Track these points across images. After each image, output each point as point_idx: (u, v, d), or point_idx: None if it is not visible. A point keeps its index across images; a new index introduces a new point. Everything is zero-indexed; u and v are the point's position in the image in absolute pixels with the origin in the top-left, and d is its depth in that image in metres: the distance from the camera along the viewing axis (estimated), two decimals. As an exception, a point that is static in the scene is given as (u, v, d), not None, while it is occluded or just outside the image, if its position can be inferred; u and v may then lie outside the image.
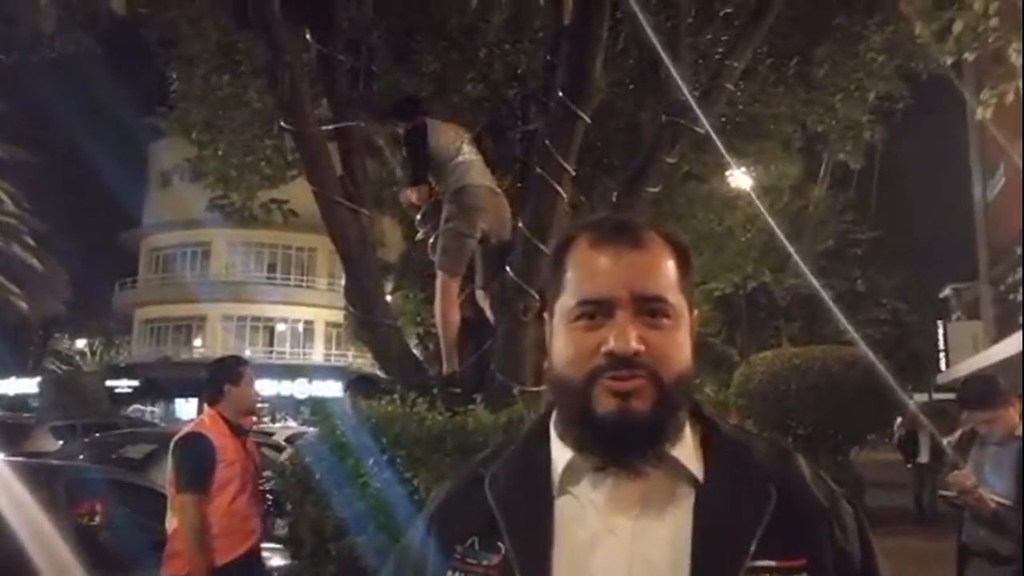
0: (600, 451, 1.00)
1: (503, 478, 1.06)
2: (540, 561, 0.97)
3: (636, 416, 0.97)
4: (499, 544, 1.00)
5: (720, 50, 6.50)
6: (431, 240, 4.68)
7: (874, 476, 13.89)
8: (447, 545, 1.04)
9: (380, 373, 5.10)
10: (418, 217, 4.80)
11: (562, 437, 1.05)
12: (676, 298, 1.03)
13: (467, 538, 1.02)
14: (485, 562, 1.00)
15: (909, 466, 12.98)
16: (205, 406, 4.27)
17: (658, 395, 0.98)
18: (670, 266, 1.05)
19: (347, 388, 5.63)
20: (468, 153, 4.48)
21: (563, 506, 1.01)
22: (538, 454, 1.07)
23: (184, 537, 3.82)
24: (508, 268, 4.30)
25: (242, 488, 4.01)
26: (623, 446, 0.99)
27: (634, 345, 0.97)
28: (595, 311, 1.01)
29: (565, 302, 1.05)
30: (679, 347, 1.02)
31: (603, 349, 0.99)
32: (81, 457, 8.57)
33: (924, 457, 12.56)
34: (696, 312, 1.09)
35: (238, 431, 4.15)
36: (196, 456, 3.94)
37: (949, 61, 6.29)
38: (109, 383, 35.86)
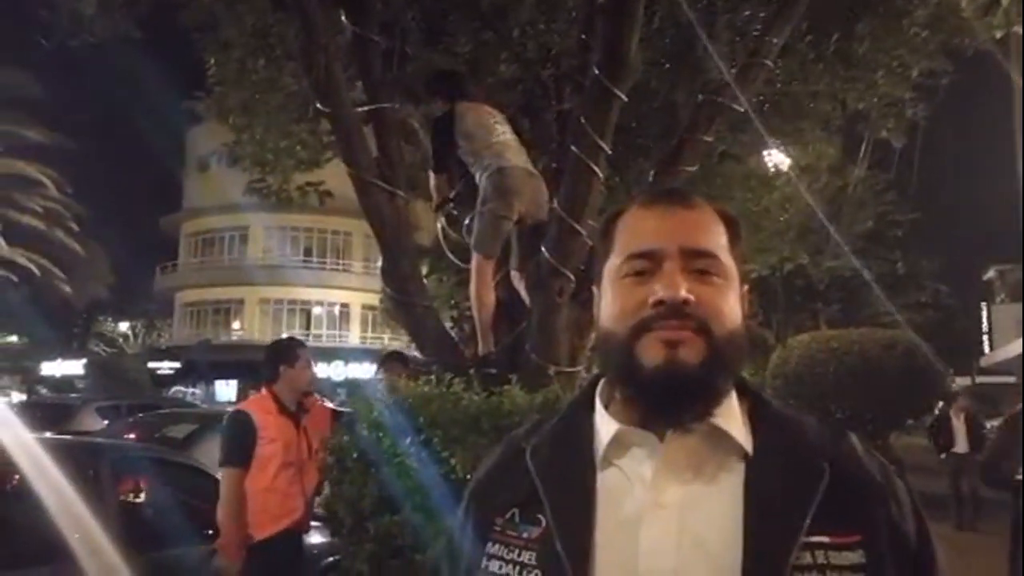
0: (647, 407, 0.98)
1: (545, 449, 1.04)
2: (582, 534, 0.95)
3: (685, 368, 0.95)
4: (540, 516, 0.98)
5: (758, 27, 6.38)
6: (466, 222, 4.68)
7: (912, 461, 13.70)
8: (487, 517, 1.02)
9: (416, 354, 5.14)
10: (434, 204, 4.77)
11: (607, 407, 1.04)
12: (726, 259, 1.02)
13: (507, 510, 1.01)
14: (525, 534, 0.98)
15: (943, 456, 11.34)
16: (263, 386, 4.43)
17: (708, 350, 0.96)
18: (719, 229, 1.04)
19: (381, 364, 5.71)
20: (503, 134, 4.44)
21: (608, 479, 0.99)
22: (582, 426, 1.05)
23: (220, 509, 3.98)
24: (543, 249, 4.29)
25: (284, 466, 4.11)
26: (670, 401, 0.96)
27: (683, 292, 0.95)
28: (643, 266, 1.00)
29: (613, 262, 1.04)
30: (730, 305, 1.00)
31: (651, 299, 0.97)
32: (132, 436, 8.79)
33: (961, 446, 11.06)
34: (747, 287, 1.07)
35: (290, 411, 4.26)
36: (235, 432, 4.15)
37: (997, 35, 6.11)
38: (151, 365, 36.65)
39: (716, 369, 0.97)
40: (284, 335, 35.05)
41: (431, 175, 4.66)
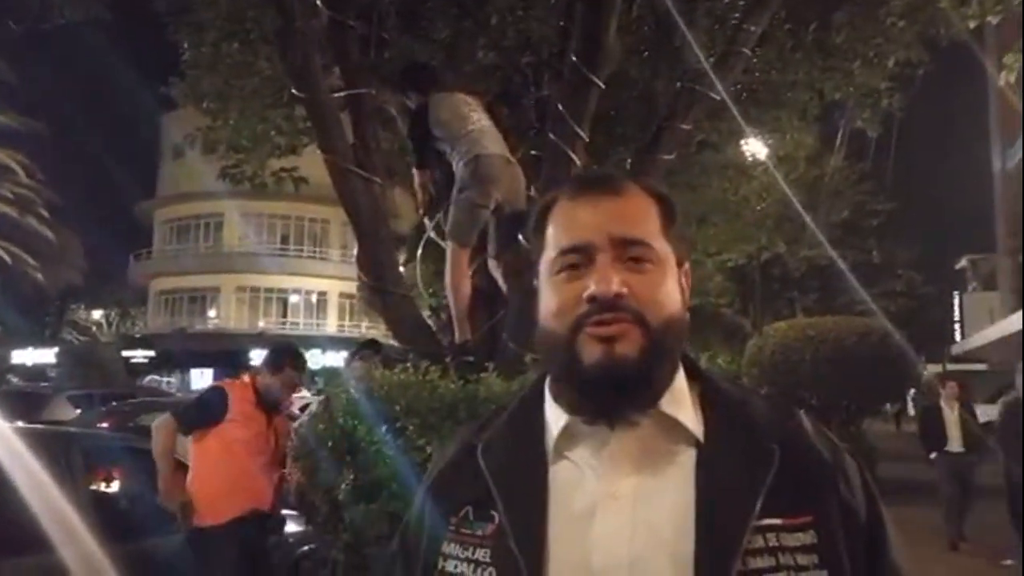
0: (590, 403, 0.97)
1: (496, 445, 1.03)
2: (535, 529, 0.94)
3: (623, 362, 0.94)
4: (493, 513, 0.97)
5: (736, 15, 6.39)
6: (442, 212, 4.65)
7: (885, 446, 13.89)
8: (442, 516, 1.01)
9: (394, 342, 5.12)
10: (420, 206, 4.75)
11: (556, 400, 1.03)
12: (660, 244, 1.01)
13: (461, 508, 1.00)
14: (480, 532, 0.97)
15: (933, 456, 8.50)
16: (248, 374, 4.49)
17: (645, 340, 0.95)
18: (652, 213, 1.03)
19: (355, 352, 5.69)
20: (478, 121, 4.41)
21: (559, 472, 0.99)
22: (532, 419, 1.04)
23: (155, 451, 4.12)
24: (520, 236, 4.27)
25: (252, 453, 4.13)
26: (612, 396, 0.95)
27: (615, 287, 0.95)
28: (576, 260, 0.99)
29: (547, 256, 1.03)
30: (666, 292, 0.99)
31: (585, 295, 0.96)
32: (105, 425, 8.70)
33: (955, 445, 8.37)
34: (687, 265, 1.06)
35: (264, 405, 4.30)
36: (202, 400, 4.33)
37: (972, 26, 6.16)
38: (125, 353, 36.22)
39: (655, 359, 0.96)
40: (261, 323, 34.74)
41: (415, 173, 4.62)
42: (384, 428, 3.48)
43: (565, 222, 1.03)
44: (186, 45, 6.95)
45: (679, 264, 1.04)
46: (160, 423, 4.18)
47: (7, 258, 32.82)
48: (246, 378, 4.49)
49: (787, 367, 11.93)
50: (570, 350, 0.96)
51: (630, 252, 0.98)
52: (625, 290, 0.95)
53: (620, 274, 0.96)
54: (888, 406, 18.47)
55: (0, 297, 31.67)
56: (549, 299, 1.01)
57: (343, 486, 3.55)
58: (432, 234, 4.83)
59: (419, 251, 5.04)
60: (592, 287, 0.96)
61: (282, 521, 4.53)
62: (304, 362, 4.54)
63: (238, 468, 4.13)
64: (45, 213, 35.37)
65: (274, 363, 4.38)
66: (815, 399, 11.51)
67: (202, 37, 6.76)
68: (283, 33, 4.54)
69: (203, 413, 4.19)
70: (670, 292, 1.00)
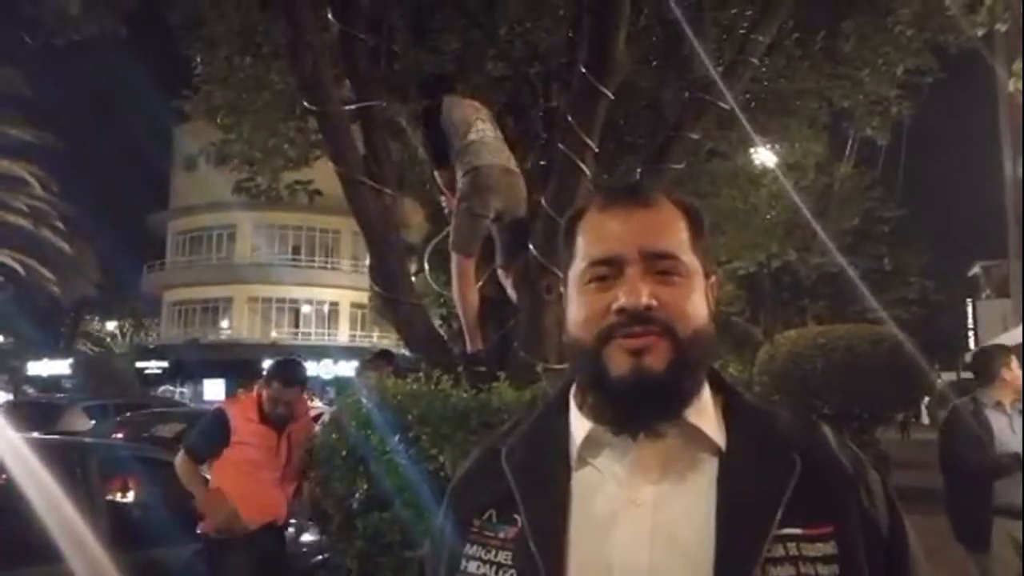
0: (616, 414, 0.99)
1: (520, 450, 1.05)
2: (556, 533, 0.96)
3: (651, 375, 0.95)
4: (515, 516, 0.99)
5: (744, 24, 6.41)
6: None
7: (900, 455, 13.77)
8: (466, 518, 1.04)
9: (405, 352, 5.14)
10: (443, 199, 4.80)
11: (581, 408, 1.05)
12: (688, 257, 1.02)
13: (485, 511, 1.02)
14: (502, 534, 0.99)
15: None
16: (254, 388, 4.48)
17: (674, 353, 0.96)
18: (681, 226, 1.04)
19: (367, 363, 5.71)
20: (482, 130, 4.44)
21: (582, 478, 1.00)
22: (556, 426, 1.06)
23: (187, 485, 4.18)
24: (531, 246, 4.30)
25: (257, 468, 4.15)
26: (639, 408, 0.97)
27: (645, 299, 0.96)
28: (606, 272, 1.00)
29: (576, 267, 1.05)
30: (694, 305, 1.00)
31: (614, 307, 0.97)
32: (120, 436, 8.76)
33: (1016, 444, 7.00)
34: (715, 278, 1.08)
35: (271, 419, 4.27)
36: (207, 428, 4.35)
37: (980, 33, 6.16)
38: (139, 364, 36.48)
39: (683, 372, 0.97)
40: (273, 333, 34.79)
41: (436, 175, 4.66)
42: (396, 438, 3.50)
43: (595, 233, 1.04)
44: (199, 59, 7.03)
45: (707, 276, 1.05)
46: (178, 461, 4.24)
47: (22, 270, 33.05)
48: (253, 392, 4.46)
49: (798, 375, 11.87)
50: (598, 361, 0.98)
51: (659, 265, 1.00)
52: (654, 302, 0.97)
53: (649, 286, 0.97)
54: (903, 416, 18.30)
55: (16, 309, 31.90)
56: (578, 309, 1.02)
57: (356, 495, 3.57)
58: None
59: (426, 256, 5.04)
60: (622, 299, 0.97)
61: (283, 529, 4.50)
62: (291, 375, 4.38)
63: (249, 486, 4.14)
64: (60, 225, 35.62)
65: (264, 379, 4.38)
66: (827, 407, 11.44)
67: (215, 52, 6.84)
68: (294, 47, 4.58)
69: (210, 442, 4.22)
70: (698, 305, 1.01)
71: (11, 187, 33.73)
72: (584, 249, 1.04)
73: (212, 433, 4.23)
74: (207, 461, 4.23)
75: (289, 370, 4.43)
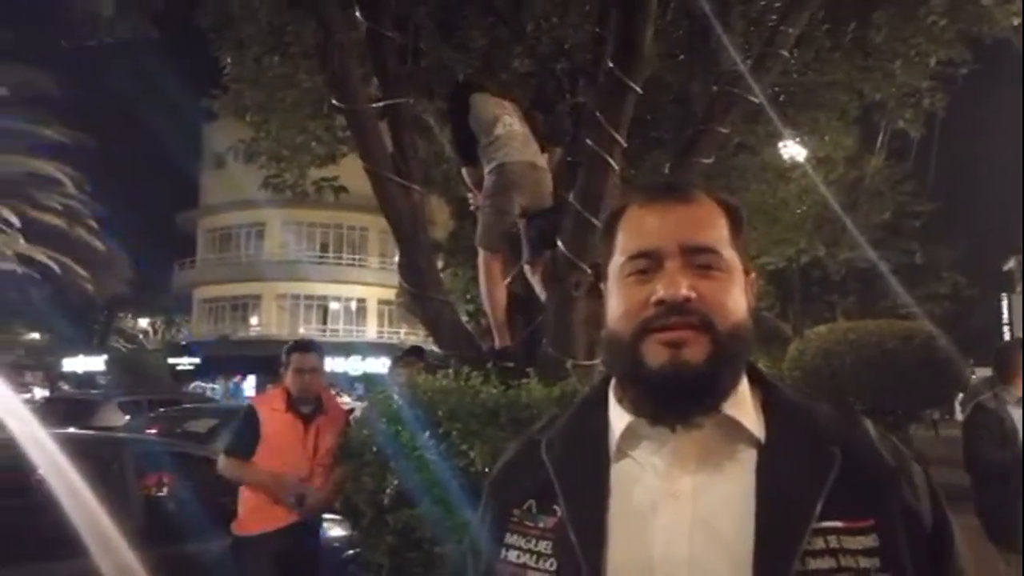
0: (654, 406, 0.99)
1: (560, 442, 1.07)
2: (595, 523, 0.97)
3: (689, 367, 0.96)
4: (555, 507, 1.00)
5: (773, 17, 6.35)
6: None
7: (932, 452, 13.57)
8: (505, 508, 1.05)
9: (435, 348, 5.17)
10: (470, 196, 4.81)
11: (620, 401, 1.06)
12: (728, 252, 1.03)
13: (524, 501, 1.04)
14: (541, 525, 1.01)
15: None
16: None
17: (712, 345, 0.97)
18: (720, 222, 1.05)
19: (398, 360, 5.73)
20: (509, 126, 4.44)
21: (621, 470, 1.01)
22: (595, 419, 1.07)
23: (246, 486, 4.19)
24: (559, 242, 4.30)
25: (295, 461, 4.15)
26: (676, 399, 0.97)
27: (684, 292, 0.97)
28: (645, 265, 1.01)
29: (616, 261, 1.06)
30: (733, 299, 1.00)
31: (653, 299, 0.98)
32: (154, 431, 8.90)
33: None
34: (753, 275, 1.08)
35: (299, 411, 4.25)
36: (241, 426, 4.34)
37: (1016, 23, 6.05)
38: (171, 361, 36.96)
39: (721, 365, 0.97)
40: (301, 330, 35.09)
41: (464, 172, 4.67)
42: (427, 433, 3.52)
43: (635, 228, 1.05)
44: (229, 60, 7.10)
45: (746, 273, 1.05)
46: (223, 466, 4.25)
47: (57, 268, 33.64)
48: (280, 387, 4.43)
49: (828, 371, 11.76)
50: (636, 353, 0.99)
51: (699, 259, 1.00)
52: (693, 295, 0.97)
53: (689, 279, 0.98)
54: (935, 413, 18.01)
55: (51, 306, 32.49)
56: (617, 302, 1.03)
57: (387, 491, 3.59)
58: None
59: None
60: (661, 291, 0.98)
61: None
62: (305, 343, 4.48)
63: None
64: (94, 224, 36.21)
65: (284, 361, 4.35)
66: (857, 404, 11.31)
67: (244, 52, 6.91)
68: (323, 46, 4.62)
69: (246, 440, 4.22)
70: (737, 299, 1.01)
71: (46, 187, 34.32)
72: (624, 243, 1.05)
73: (244, 430, 4.25)
74: (247, 457, 4.20)
75: (302, 341, 4.59)
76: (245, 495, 4.20)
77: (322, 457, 4.23)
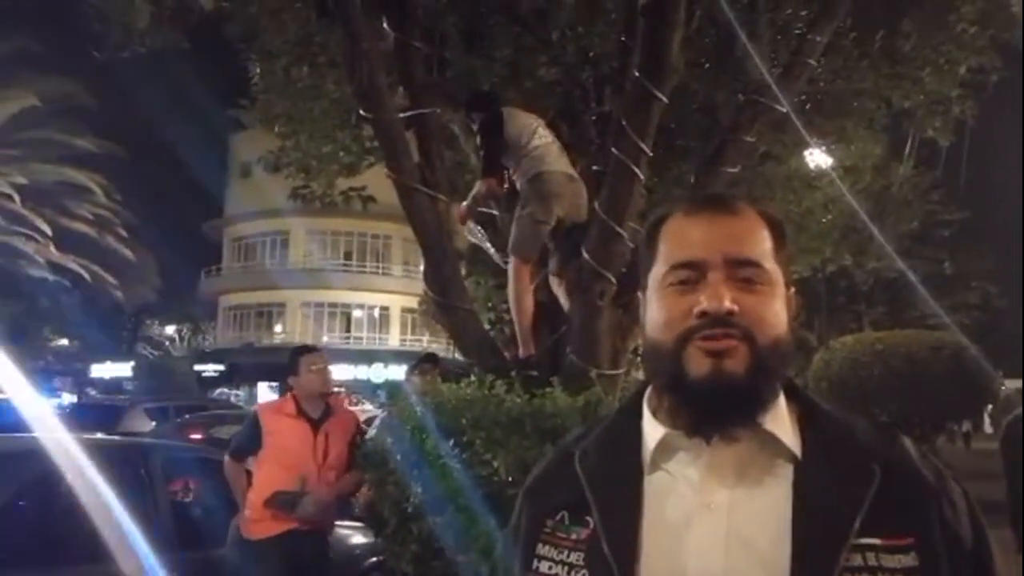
0: (693, 416, 0.98)
1: (594, 454, 1.06)
2: (628, 535, 0.96)
3: (730, 378, 0.95)
4: (588, 518, 1.00)
5: (800, 25, 6.31)
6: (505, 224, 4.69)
7: (962, 466, 13.35)
8: (538, 519, 1.05)
9: (458, 356, 5.18)
10: (464, 204, 4.75)
11: (655, 413, 1.05)
12: (771, 266, 1.02)
13: (557, 512, 1.03)
14: (574, 536, 1.00)
15: None
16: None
17: (753, 358, 0.96)
18: (764, 235, 1.04)
19: (413, 368, 5.74)
20: (543, 137, 4.46)
21: (655, 482, 1.00)
22: (630, 431, 1.06)
23: (248, 488, 4.26)
24: (584, 252, 4.29)
25: (300, 466, 4.15)
26: (717, 410, 0.97)
27: (727, 304, 0.96)
28: (687, 275, 1.01)
29: (658, 271, 1.05)
30: (775, 313, 1.00)
31: (696, 310, 0.97)
32: (198, 437, 8.98)
33: None
34: (793, 291, 1.07)
35: (308, 415, 4.26)
36: (242, 429, 4.50)
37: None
38: (197, 367, 37.32)
39: (761, 378, 0.97)
40: (324, 338, 35.28)
41: (479, 183, 4.62)
42: (451, 442, 3.52)
43: (679, 238, 1.04)
44: (258, 71, 7.18)
45: (787, 287, 1.05)
46: (226, 467, 4.36)
47: (87, 276, 34.17)
48: (289, 394, 4.45)
49: (855, 382, 11.63)
50: (677, 362, 0.98)
51: (742, 272, 1.00)
52: (736, 308, 0.97)
53: (732, 292, 0.98)
54: (965, 425, 17.70)
55: (80, 313, 32.98)
56: (658, 312, 1.03)
57: (411, 499, 3.59)
58: (475, 239, 4.87)
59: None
60: (704, 302, 0.97)
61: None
62: (309, 345, 4.64)
63: (284, 476, 4.12)
64: (123, 232, 36.74)
65: (291, 366, 4.38)
66: (885, 415, 11.17)
67: (273, 63, 6.98)
68: (350, 56, 4.66)
69: (244, 441, 4.31)
70: (778, 313, 1.01)
71: (76, 195, 34.90)
72: (667, 253, 1.05)
73: (243, 432, 4.40)
74: (244, 459, 4.31)
75: (307, 345, 4.78)
76: (250, 497, 4.21)
77: (331, 462, 4.22)
